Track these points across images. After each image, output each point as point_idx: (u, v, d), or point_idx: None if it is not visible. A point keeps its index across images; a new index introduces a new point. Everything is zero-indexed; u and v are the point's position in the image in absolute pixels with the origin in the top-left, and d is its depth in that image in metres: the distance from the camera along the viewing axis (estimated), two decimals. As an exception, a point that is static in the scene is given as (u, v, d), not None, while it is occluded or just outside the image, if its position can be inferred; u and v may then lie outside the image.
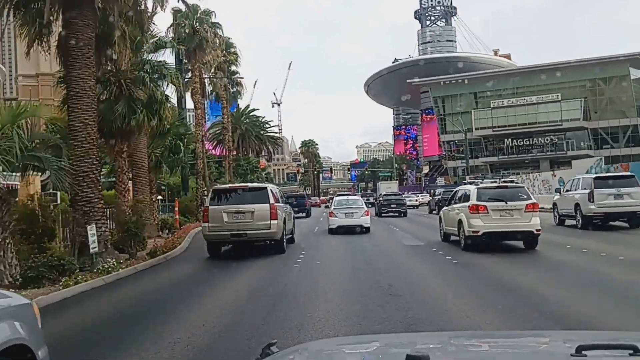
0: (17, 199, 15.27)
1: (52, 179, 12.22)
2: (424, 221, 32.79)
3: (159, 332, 7.77)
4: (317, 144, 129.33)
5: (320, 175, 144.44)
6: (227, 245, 17.59)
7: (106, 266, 12.98)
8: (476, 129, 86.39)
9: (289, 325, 7.73)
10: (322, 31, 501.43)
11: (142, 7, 17.20)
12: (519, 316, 8.06)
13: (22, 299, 4.37)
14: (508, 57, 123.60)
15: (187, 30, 36.28)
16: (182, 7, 37.33)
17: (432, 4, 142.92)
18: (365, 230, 24.29)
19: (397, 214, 39.09)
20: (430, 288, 10.79)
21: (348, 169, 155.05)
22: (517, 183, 29.13)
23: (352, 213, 24.83)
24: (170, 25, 36.23)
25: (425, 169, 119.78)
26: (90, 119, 14.87)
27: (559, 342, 2.64)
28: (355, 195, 42.15)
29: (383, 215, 39.12)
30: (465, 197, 16.51)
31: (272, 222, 16.04)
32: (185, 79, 40.02)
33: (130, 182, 23.02)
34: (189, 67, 38.86)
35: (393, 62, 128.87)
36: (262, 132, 69.96)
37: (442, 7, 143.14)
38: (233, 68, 48.23)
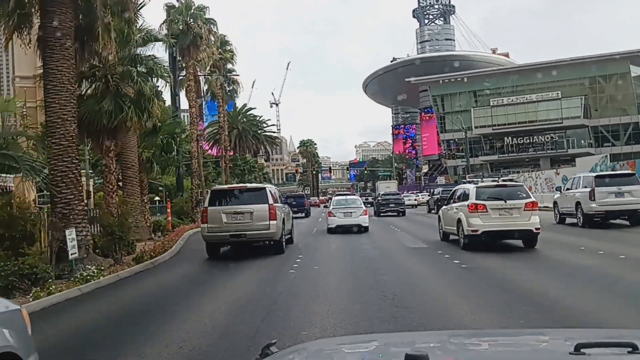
0: (12, 201, 14.30)
1: (24, 178, 11.20)
2: (423, 220, 32.36)
3: (132, 354, 6.86)
4: (315, 144, 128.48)
5: (319, 175, 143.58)
6: (226, 246, 17.34)
7: (85, 274, 11.90)
8: (476, 127, 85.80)
9: (282, 346, 6.77)
10: (320, 31, 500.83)
11: (128, -4, 16.19)
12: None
13: (11, 304, 4.23)
14: (506, 55, 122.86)
15: (180, 27, 35.18)
16: (175, 2, 36.45)
17: (430, 3, 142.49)
18: (363, 229, 24.26)
19: (395, 214, 39.13)
20: (440, 298, 9.66)
21: (347, 168, 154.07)
22: (516, 181, 29.07)
23: (351, 212, 24.87)
24: (164, 22, 35.12)
25: (425, 168, 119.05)
26: (69, 115, 13.82)
27: (558, 340, 2.62)
28: (354, 195, 42.08)
29: (382, 214, 39.14)
30: (465, 196, 16.41)
31: (271, 222, 15.92)
32: (180, 77, 39.10)
33: (120, 182, 22.00)
34: (183, 65, 37.89)
35: (391, 62, 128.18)
36: (259, 132, 69.02)
37: (440, 6, 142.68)
38: (229, 66, 47.02)
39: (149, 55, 19.91)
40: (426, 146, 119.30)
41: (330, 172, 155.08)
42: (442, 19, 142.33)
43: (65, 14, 13.96)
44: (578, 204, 21.39)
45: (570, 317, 7.73)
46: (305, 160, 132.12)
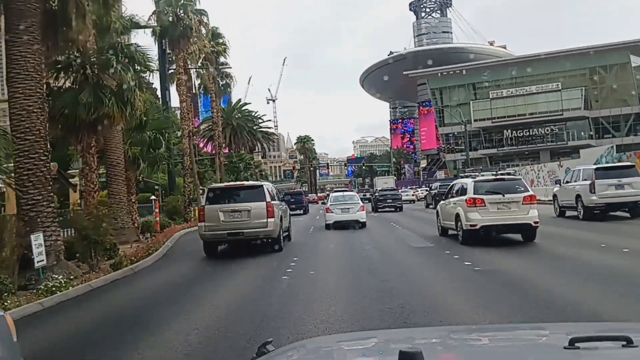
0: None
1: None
2: (423, 216, 31.80)
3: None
4: (312, 140, 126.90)
5: (317, 171, 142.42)
6: (223, 244, 17.18)
7: (50, 285, 10.47)
8: (475, 120, 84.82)
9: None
10: (318, 29, 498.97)
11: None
12: None
13: None
14: (504, 48, 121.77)
15: (170, 18, 33.76)
16: (164, -8, 34.93)
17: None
18: (361, 225, 24.51)
19: (393, 209, 39.39)
20: (455, 311, 8.16)
21: (345, 164, 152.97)
22: (514, 175, 28.37)
23: (348, 209, 25.25)
24: (152, 13, 33.69)
25: (423, 163, 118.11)
26: (35, 106, 12.42)
27: (553, 334, 2.60)
28: (351, 191, 42.12)
29: (379, 210, 39.39)
30: (463, 191, 16.29)
31: (269, 220, 15.89)
32: (170, 70, 37.72)
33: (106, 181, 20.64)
34: (173, 58, 36.46)
35: (388, 55, 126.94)
36: (255, 128, 67.58)
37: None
38: (222, 59, 45.42)
39: (131, 44, 18.56)
40: (424, 140, 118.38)
41: (328, 168, 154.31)
42: (439, 11, 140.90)
43: (29, -8, 12.58)
44: (578, 196, 21.36)
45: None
46: (302, 157, 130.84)
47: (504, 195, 15.16)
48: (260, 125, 71.51)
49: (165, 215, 31.54)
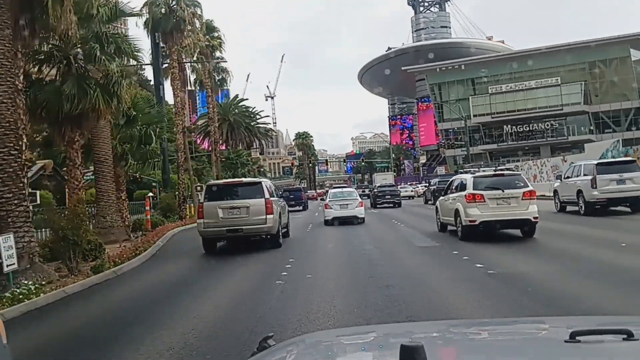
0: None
1: None
2: (423, 213, 31.11)
3: None
4: (311, 136, 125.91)
5: (316, 168, 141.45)
6: (222, 241, 17.10)
7: (17, 292, 9.45)
8: (474, 115, 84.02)
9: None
10: (316, 26, 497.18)
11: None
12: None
13: None
14: (502, 43, 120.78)
15: (162, 10, 32.82)
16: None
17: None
18: (360, 221, 24.63)
19: (391, 205, 39.61)
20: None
21: (344, 160, 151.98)
22: (513, 170, 28.26)
23: (347, 204, 25.41)
24: (144, 4, 32.64)
25: (423, 159, 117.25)
26: (5, 96, 11.42)
27: (553, 328, 2.55)
28: (350, 187, 42.24)
29: (378, 206, 39.61)
30: (462, 187, 16.25)
31: (268, 216, 15.91)
32: (164, 65, 36.77)
33: (91, 177, 19.69)
34: (167, 52, 35.46)
35: (387, 51, 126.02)
36: (252, 124, 66.58)
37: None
38: (217, 54, 44.41)
39: (117, 33, 17.62)
40: (424, 136, 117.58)
41: (327, 164, 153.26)
42: (437, 6, 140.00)
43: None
44: (579, 191, 21.39)
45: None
46: (301, 153, 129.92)
47: (503, 191, 15.10)
48: (258, 121, 70.48)
49: (160, 213, 30.68)
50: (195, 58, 40.33)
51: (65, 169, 17.96)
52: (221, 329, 7.65)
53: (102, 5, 16.39)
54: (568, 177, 23.15)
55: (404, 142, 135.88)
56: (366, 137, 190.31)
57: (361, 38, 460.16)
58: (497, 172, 17.37)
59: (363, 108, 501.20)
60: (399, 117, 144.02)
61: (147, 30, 32.91)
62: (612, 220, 19.02)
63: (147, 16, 32.55)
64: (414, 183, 76.98)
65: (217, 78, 47.97)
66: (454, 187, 17.35)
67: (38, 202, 28.10)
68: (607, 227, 17.35)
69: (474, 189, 15.33)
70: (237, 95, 67.84)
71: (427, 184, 49.12)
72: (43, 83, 16.25)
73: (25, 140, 13.93)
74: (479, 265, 11.15)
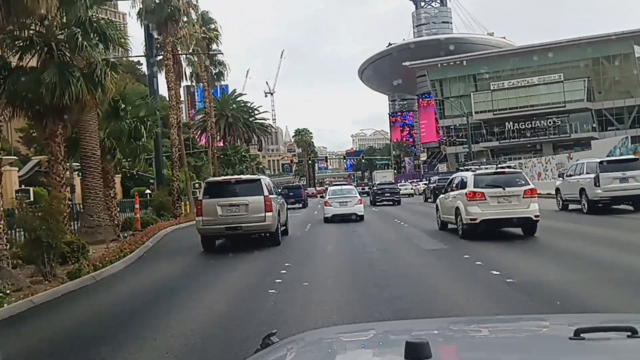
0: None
1: None
2: (422, 210, 31.05)
3: None
4: (311, 133, 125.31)
5: (316, 165, 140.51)
6: (221, 238, 16.94)
7: None
8: (476, 112, 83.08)
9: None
10: (316, 22, 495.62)
11: None
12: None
13: None
14: (503, 39, 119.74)
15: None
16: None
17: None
18: (359, 218, 24.71)
19: (391, 203, 39.74)
20: None
21: (344, 157, 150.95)
22: (514, 168, 29.03)
23: (346, 202, 25.57)
24: (137, -7, 31.42)
25: (423, 156, 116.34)
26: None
27: (558, 325, 2.64)
28: (349, 185, 41.80)
29: (377, 204, 39.67)
30: (462, 184, 16.14)
31: (267, 214, 15.79)
32: (159, 56, 35.65)
33: (75, 173, 18.59)
34: (162, 43, 34.30)
35: (387, 47, 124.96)
36: (251, 119, 65.41)
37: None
38: (214, 46, 43.14)
39: (102, 18, 16.52)
40: (424, 133, 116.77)
41: (326, 161, 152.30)
42: (438, 1, 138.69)
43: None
44: (582, 190, 21.38)
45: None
46: (300, 150, 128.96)
47: (504, 189, 15.02)
48: (257, 117, 69.30)
49: (153, 211, 29.64)
50: (191, 50, 39.22)
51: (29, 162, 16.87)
52: (202, 348, 6.57)
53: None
54: (570, 175, 23.17)
55: (404, 139, 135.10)
56: (366, 134, 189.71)
57: (361, 35, 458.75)
58: (498, 170, 17.30)
59: (363, 105, 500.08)
60: (399, 114, 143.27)
61: (140, 21, 31.77)
62: (618, 220, 18.95)
63: (141, 5, 31.41)
64: (414, 181, 76.12)
65: (214, 71, 46.70)
66: (454, 185, 17.23)
67: (32, 199, 27.21)
68: (618, 227, 17.04)
69: (474, 187, 15.23)
70: (234, 90, 66.67)
71: (427, 182, 49.04)
72: (22, 72, 15.16)
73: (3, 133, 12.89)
74: (495, 272, 9.93)
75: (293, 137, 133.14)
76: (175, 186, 31.84)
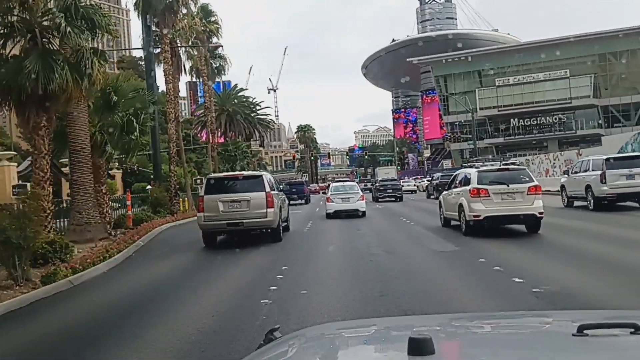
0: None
1: None
2: (425, 207, 30.56)
3: None
4: (313, 129, 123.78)
5: (319, 161, 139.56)
6: (222, 234, 16.82)
7: None
8: (480, 108, 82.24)
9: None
10: (319, 17, 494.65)
11: None
12: None
13: None
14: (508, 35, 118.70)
15: (155, -11, 30.65)
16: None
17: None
18: (361, 214, 24.97)
19: (393, 199, 40.04)
20: None
21: (346, 153, 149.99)
22: (518, 165, 29.23)
23: (349, 198, 25.73)
24: (134, -16, 30.53)
25: (427, 153, 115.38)
26: None
27: (561, 321, 2.60)
28: (352, 181, 42.48)
29: (380, 200, 40.17)
30: (466, 181, 16.08)
31: (269, 210, 15.78)
32: (157, 49, 34.74)
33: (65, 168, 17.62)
34: (160, 35, 33.35)
35: (391, 43, 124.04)
36: (252, 115, 64.51)
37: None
38: (214, 40, 42.24)
39: (89, 4, 15.56)
40: (428, 130, 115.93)
41: (329, 158, 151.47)
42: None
43: None
44: (588, 187, 21.53)
45: None
46: (303, 146, 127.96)
47: (508, 186, 14.96)
48: (258, 112, 68.42)
49: (149, 208, 28.73)
50: (190, 43, 38.27)
51: (31, 158, 15.90)
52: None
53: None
54: (576, 172, 23.23)
55: (407, 135, 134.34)
56: (369, 130, 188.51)
57: (364, 31, 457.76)
58: (502, 167, 17.27)
59: (366, 102, 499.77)
60: (402, 110, 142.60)
61: (138, 12, 30.86)
62: (628, 217, 18.92)
63: None
64: (419, 177, 75.26)
65: (215, 65, 45.80)
66: (458, 182, 17.16)
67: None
68: (633, 225, 16.87)
69: (478, 184, 15.16)
70: (236, 85, 65.67)
71: (430, 178, 49.28)
72: (3, 60, 14.25)
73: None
74: (517, 280, 8.76)
75: (295, 133, 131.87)
76: (172, 182, 30.92)
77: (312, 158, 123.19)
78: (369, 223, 22.29)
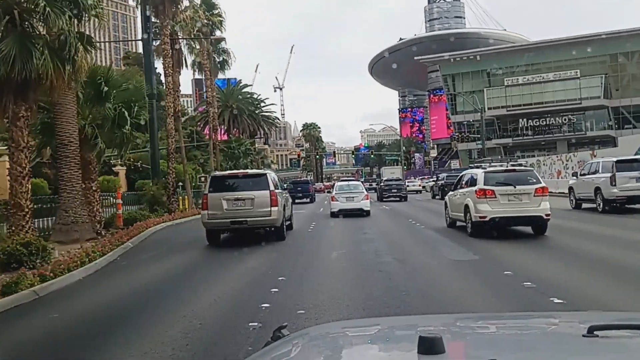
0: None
1: None
2: (430, 207, 30.33)
3: None
4: (319, 128, 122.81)
5: (324, 160, 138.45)
6: (226, 232, 16.96)
7: None
8: (489, 108, 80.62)
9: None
10: (326, 16, 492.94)
11: None
12: None
13: None
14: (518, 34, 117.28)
15: (153, -22, 29.42)
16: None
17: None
18: (365, 213, 24.99)
19: (397, 199, 40.36)
20: None
21: (352, 153, 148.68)
22: (526, 166, 28.06)
23: (353, 197, 25.81)
24: (132, -26, 29.39)
25: (434, 152, 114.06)
26: None
27: (571, 322, 2.58)
28: (357, 180, 41.85)
29: (384, 199, 40.51)
30: (472, 182, 16.03)
31: (273, 208, 15.81)
32: (157, 41, 33.52)
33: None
34: (160, 27, 32.10)
35: (399, 41, 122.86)
36: (256, 112, 63.25)
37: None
38: (217, 33, 40.83)
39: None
40: (435, 129, 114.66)
41: (334, 156, 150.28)
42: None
43: None
44: (597, 189, 21.59)
45: None
46: (308, 145, 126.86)
47: (515, 187, 14.90)
48: (263, 109, 67.16)
49: (146, 206, 27.47)
50: (194, 36, 37.00)
51: (8, 151, 14.63)
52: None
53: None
54: (585, 175, 23.29)
55: (414, 135, 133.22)
56: (375, 129, 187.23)
57: (371, 30, 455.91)
58: (509, 168, 17.11)
59: (372, 101, 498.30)
60: (409, 109, 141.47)
61: (137, 2, 29.67)
62: (637, 220, 18.83)
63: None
64: (425, 177, 74.07)
65: (218, 60, 44.48)
66: (464, 182, 17.14)
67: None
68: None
69: (484, 185, 15.11)
70: (240, 81, 64.34)
71: (435, 179, 49.07)
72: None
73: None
74: (556, 300, 7.29)
75: (301, 131, 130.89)
76: (170, 179, 29.69)
77: (318, 157, 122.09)
78: (375, 224, 21.59)
